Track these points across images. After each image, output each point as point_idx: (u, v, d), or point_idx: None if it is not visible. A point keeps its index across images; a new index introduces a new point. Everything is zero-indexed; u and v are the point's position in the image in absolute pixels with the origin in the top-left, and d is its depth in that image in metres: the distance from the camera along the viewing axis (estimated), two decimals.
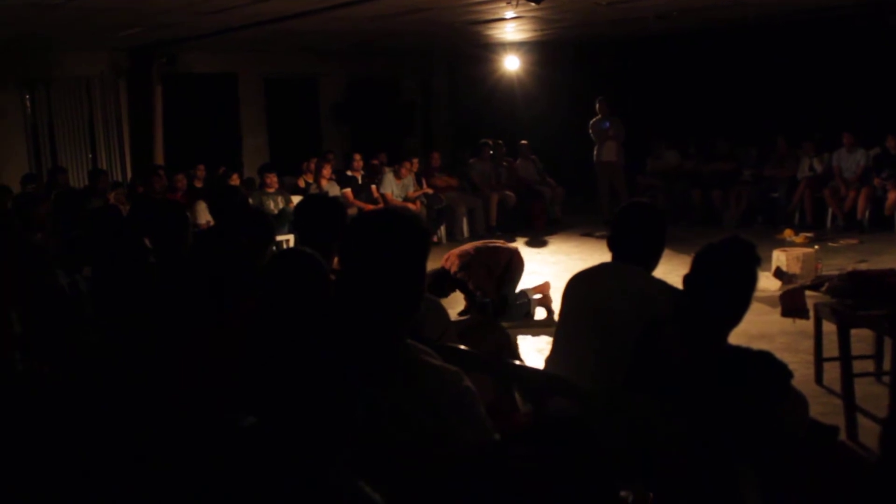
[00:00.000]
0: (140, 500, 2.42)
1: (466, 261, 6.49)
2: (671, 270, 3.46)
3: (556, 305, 6.25)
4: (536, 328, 6.39)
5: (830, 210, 11.06)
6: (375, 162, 12.20)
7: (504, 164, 13.05)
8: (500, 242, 7.17)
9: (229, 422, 1.81)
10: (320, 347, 1.81)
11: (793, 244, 9.54)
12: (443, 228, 11.76)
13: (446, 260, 6.59)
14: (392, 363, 1.85)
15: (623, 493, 2.63)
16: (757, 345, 2.68)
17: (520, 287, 6.91)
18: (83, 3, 7.72)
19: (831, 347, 5.05)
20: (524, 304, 6.73)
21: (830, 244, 9.77)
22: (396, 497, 1.70)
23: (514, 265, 6.75)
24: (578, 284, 3.40)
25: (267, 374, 1.99)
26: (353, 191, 11.44)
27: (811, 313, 5.38)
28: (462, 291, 6.53)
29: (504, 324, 4.93)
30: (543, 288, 6.95)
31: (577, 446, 2.20)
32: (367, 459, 1.73)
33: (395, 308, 2.06)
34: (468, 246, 6.79)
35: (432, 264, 2.25)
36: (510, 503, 1.89)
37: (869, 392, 4.85)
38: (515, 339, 5.25)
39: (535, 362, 5.17)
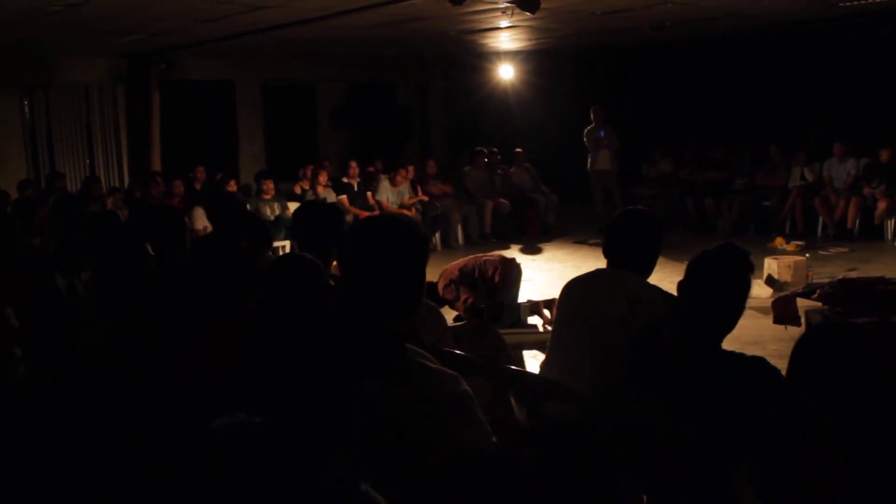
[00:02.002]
0: (140, 501, 2.43)
1: (446, 283, 6.54)
2: (665, 277, 3.48)
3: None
4: (532, 335, 6.36)
5: (821, 219, 11.11)
6: (371, 169, 12.22)
7: (499, 171, 13.09)
8: (491, 255, 7.10)
9: (228, 424, 1.81)
10: (320, 350, 1.82)
11: (784, 252, 9.58)
12: (438, 235, 11.77)
13: (438, 279, 6.61)
14: (391, 365, 1.87)
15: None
16: (749, 351, 2.70)
17: (525, 297, 6.88)
18: (83, 9, 7.73)
19: None
20: (514, 310, 6.68)
21: (821, 252, 9.81)
22: (396, 499, 1.71)
23: (505, 275, 6.70)
24: (574, 290, 3.41)
25: (267, 376, 1.99)
26: (348, 198, 11.45)
27: (802, 320, 5.41)
28: (451, 308, 6.54)
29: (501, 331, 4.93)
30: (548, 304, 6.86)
31: (575, 449, 2.21)
32: (366, 461, 1.74)
33: (394, 311, 2.08)
34: (454, 266, 6.78)
35: (429, 270, 2.27)
36: None
37: None
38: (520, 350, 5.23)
39: (530, 367, 5.17)
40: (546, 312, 6.75)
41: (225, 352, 2.63)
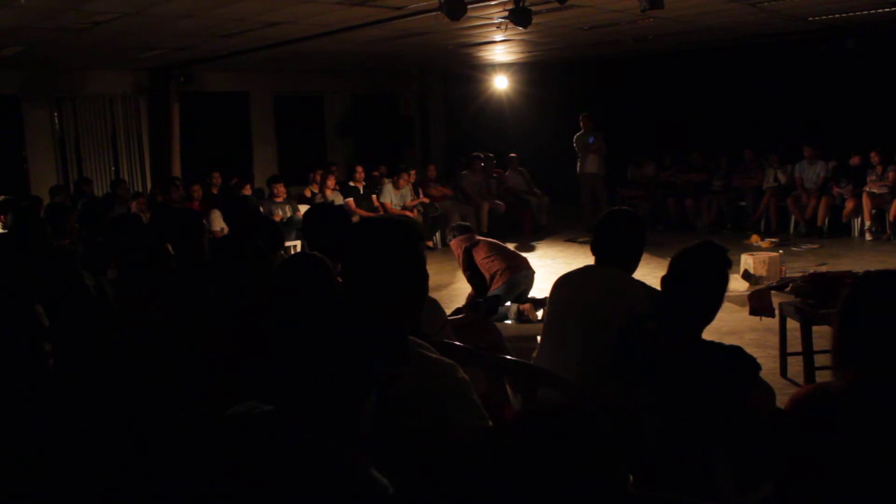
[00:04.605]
0: (159, 488, 2.41)
1: (464, 251, 6.61)
2: (649, 273, 3.47)
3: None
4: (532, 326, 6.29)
5: (793, 217, 11.10)
6: (376, 173, 12.22)
7: (494, 175, 13.07)
8: (515, 257, 6.96)
9: (241, 413, 1.80)
10: (330, 346, 1.81)
11: (759, 249, 9.59)
12: (438, 235, 11.77)
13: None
14: (398, 360, 1.86)
15: None
16: (728, 340, 2.70)
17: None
18: (108, 27, 7.72)
19: (795, 343, 5.07)
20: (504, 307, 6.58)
21: (793, 249, 9.81)
22: (402, 483, 1.70)
23: (509, 273, 6.61)
24: (563, 285, 3.40)
25: (280, 369, 1.98)
26: (355, 200, 11.44)
27: (777, 312, 5.40)
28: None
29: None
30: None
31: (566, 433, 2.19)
32: (373, 448, 1.73)
33: (396, 307, 2.07)
34: (487, 243, 6.75)
35: (429, 268, 2.26)
36: (509, 490, 1.89)
37: None
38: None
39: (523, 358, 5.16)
40: (539, 314, 6.63)
41: (242, 349, 2.61)
